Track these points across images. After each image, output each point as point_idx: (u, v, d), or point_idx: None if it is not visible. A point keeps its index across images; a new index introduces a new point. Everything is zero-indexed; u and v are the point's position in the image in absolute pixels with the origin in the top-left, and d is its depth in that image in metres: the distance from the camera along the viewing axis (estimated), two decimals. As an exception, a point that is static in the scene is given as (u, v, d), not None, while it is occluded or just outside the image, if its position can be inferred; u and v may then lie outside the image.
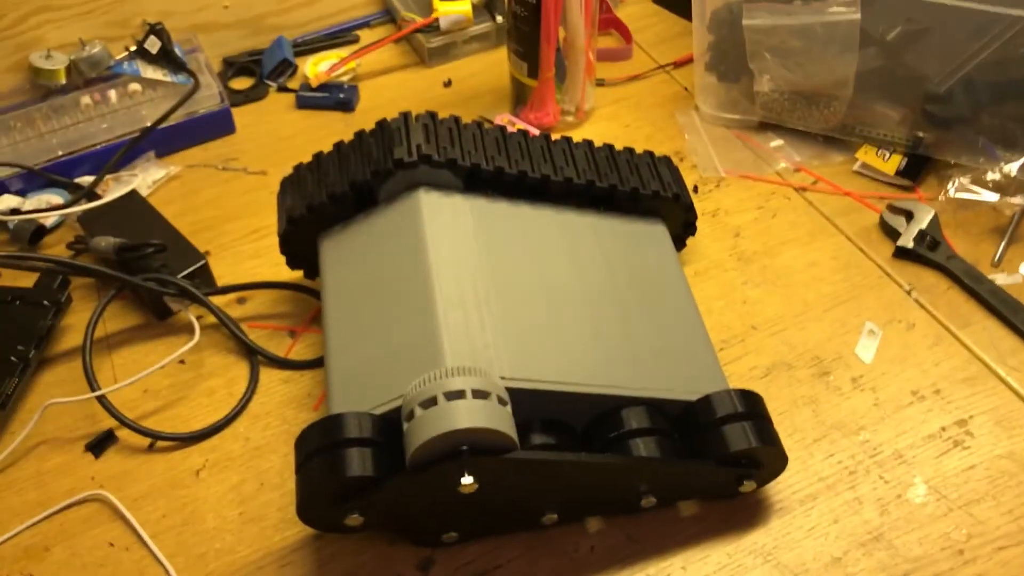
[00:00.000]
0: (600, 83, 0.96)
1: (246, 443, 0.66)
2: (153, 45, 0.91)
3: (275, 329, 0.73)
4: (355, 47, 1.01)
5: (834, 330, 0.71)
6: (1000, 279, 0.74)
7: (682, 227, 0.74)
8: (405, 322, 0.57)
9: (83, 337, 0.68)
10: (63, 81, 0.90)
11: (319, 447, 0.52)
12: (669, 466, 0.56)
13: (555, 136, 0.71)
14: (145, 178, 0.86)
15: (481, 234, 0.62)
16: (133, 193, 0.81)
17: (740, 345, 0.71)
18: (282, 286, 0.76)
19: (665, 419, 0.58)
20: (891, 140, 0.84)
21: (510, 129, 0.69)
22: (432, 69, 1.00)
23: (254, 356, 0.71)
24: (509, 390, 0.52)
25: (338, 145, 0.67)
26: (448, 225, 0.62)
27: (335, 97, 0.96)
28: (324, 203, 0.64)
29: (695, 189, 0.84)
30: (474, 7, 0.99)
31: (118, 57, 0.91)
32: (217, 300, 0.73)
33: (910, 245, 0.76)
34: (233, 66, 1.00)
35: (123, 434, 0.67)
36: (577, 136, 0.71)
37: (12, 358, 0.67)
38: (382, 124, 0.65)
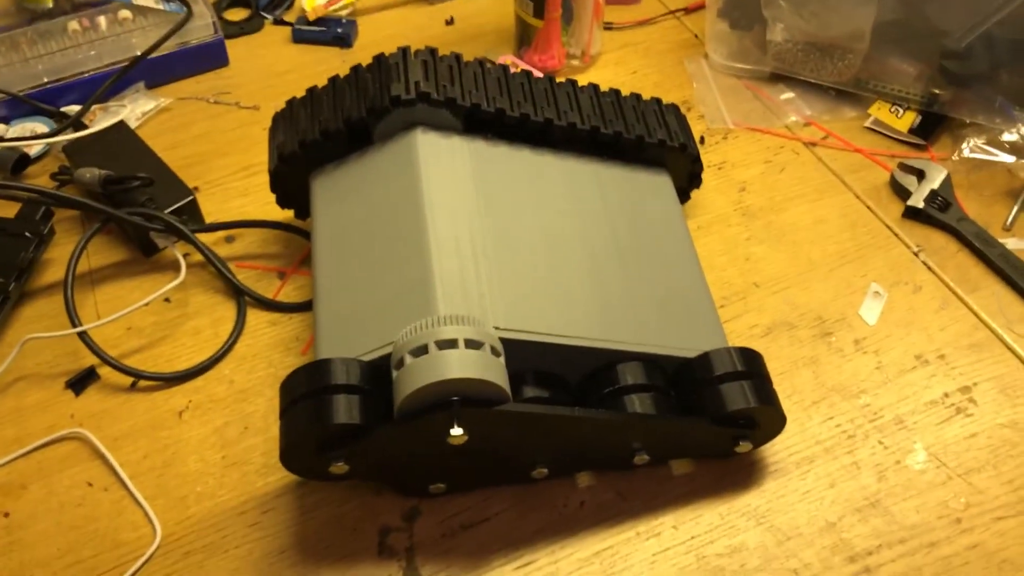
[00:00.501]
0: (608, 26, 0.93)
1: (231, 385, 0.65)
2: (145, -30, 0.88)
3: (263, 270, 0.72)
4: (355, -20, 0.98)
5: (838, 290, 0.70)
6: (1011, 243, 0.72)
7: (687, 179, 0.72)
8: (397, 267, 0.55)
9: (65, 271, 0.66)
10: (50, 5, 0.87)
11: (305, 392, 0.51)
12: (664, 424, 0.55)
13: (559, 80, 0.68)
14: (134, 109, 0.84)
15: (479, 178, 0.60)
16: (121, 124, 0.78)
17: (741, 303, 0.69)
18: (272, 225, 0.74)
19: (662, 375, 0.56)
20: (905, 96, 0.82)
21: (513, 70, 0.66)
22: (434, 6, 0.98)
23: (241, 296, 0.69)
24: (503, 340, 0.51)
25: (333, 80, 0.65)
26: (445, 167, 0.60)
27: (333, 32, 0.93)
28: (317, 140, 0.62)
29: (701, 140, 0.81)
30: (480, -58, 0.96)
31: (109, -19, 0.88)
32: (205, 238, 0.71)
33: (920, 205, 0.74)
34: (228, -4, 0.97)
35: (105, 372, 0.65)
36: (582, 81, 0.68)
37: (-9, 290, 0.66)
38: (380, 59, 0.63)
